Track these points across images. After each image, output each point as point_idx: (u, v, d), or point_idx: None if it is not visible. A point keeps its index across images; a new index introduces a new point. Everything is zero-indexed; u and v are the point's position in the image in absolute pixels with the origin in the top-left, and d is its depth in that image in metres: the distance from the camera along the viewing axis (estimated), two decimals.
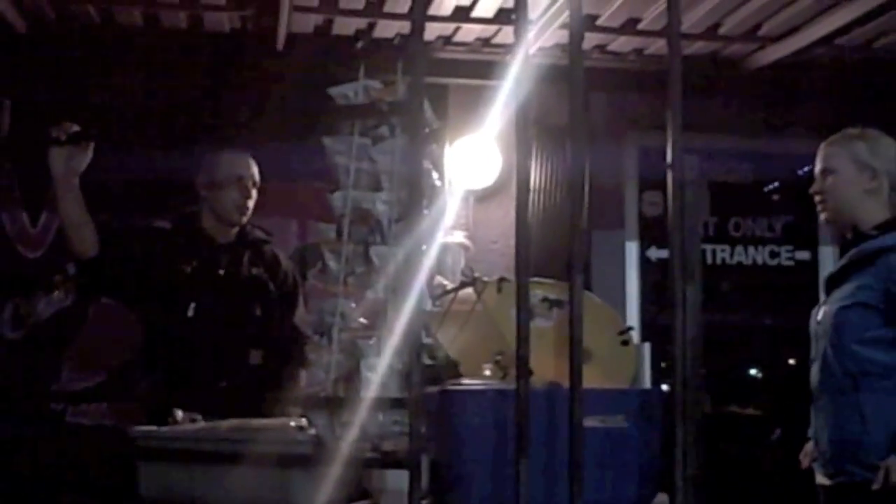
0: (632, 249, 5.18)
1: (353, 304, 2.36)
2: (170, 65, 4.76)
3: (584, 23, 2.37)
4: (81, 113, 3.74)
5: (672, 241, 2.20)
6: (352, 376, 2.30)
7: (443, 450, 2.25)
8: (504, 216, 4.80)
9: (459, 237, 3.93)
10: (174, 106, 4.80)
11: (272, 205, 3.94)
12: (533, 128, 2.35)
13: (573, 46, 2.27)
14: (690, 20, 4.40)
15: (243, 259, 3.68)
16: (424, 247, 2.19)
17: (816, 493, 2.99)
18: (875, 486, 2.73)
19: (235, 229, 3.69)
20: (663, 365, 3.95)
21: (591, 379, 2.28)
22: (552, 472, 2.17)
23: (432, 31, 4.60)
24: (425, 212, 2.24)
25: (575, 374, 2.10)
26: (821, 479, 2.95)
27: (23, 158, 4.50)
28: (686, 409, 2.02)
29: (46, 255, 4.67)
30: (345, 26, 4.61)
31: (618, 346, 3.01)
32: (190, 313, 3.52)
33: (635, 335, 3.57)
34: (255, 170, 3.70)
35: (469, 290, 2.99)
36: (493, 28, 4.62)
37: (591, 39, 4.62)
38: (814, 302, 3.09)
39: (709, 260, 5.32)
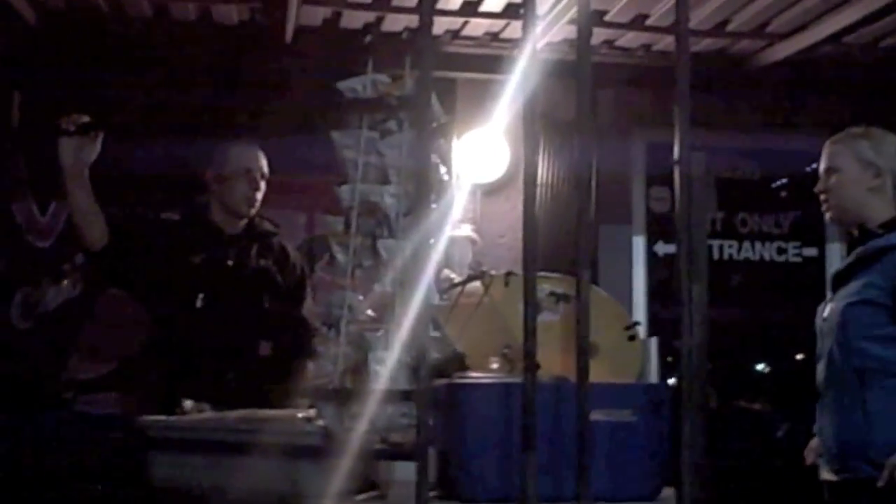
0: (639, 244, 5.19)
1: (361, 297, 2.37)
2: (178, 57, 4.76)
3: (592, 18, 2.37)
4: (91, 104, 3.75)
5: (679, 236, 2.21)
6: (359, 368, 2.31)
7: (450, 442, 2.27)
8: (511, 210, 4.81)
9: (467, 231, 3.96)
10: (182, 98, 4.81)
11: (280, 197, 3.96)
12: (540, 122, 2.36)
13: (581, 42, 2.28)
14: (699, 17, 4.40)
15: (251, 251, 3.69)
16: (432, 240, 2.20)
17: (821, 489, 3.00)
18: (880, 484, 2.74)
19: (244, 221, 3.70)
20: (670, 359, 3.98)
21: (598, 373, 2.29)
22: (558, 466, 2.18)
23: (441, 25, 4.61)
24: (433, 206, 2.25)
25: (581, 368, 2.12)
26: (826, 475, 2.96)
27: (33, 149, 4.52)
28: (692, 403, 2.03)
29: (55, 245, 4.69)
30: (353, 19, 4.62)
31: (624, 340, 3.02)
32: (198, 304, 3.54)
33: (642, 330, 3.59)
34: (263, 162, 3.72)
35: (476, 284, 3.00)
36: (501, 23, 4.63)
37: (599, 35, 4.62)
38: (821, 298, 3.09)
39: (716, 255, 5.32)
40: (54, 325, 4.67)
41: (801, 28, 4.60)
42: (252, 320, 3.62)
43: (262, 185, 3.70)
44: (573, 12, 3.65)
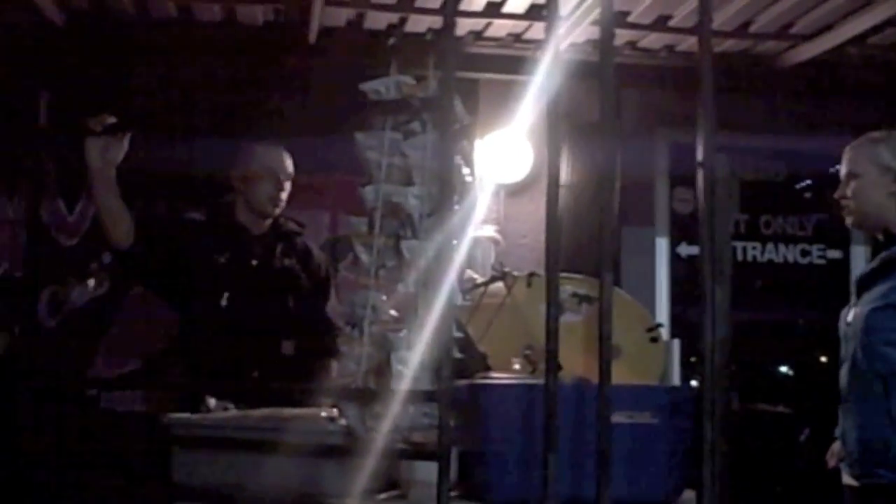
0: (662, 246, 5.18)
1: (384, 297, 2.38)
2: (203, 57, 4.79)
3: (615, 19, 2.37)
4: (117, 104, 3.79)
5: (702, 238, 2.20)
6: (382, 368, 2.32)
7: (472, 442, 2.28)
8: (534, 211, 4.81)
9: (490, 231, 3.97)
10: (207, 98, 4.84)
11: (304, 197, 3.98)
12: (564, 123, 2.37)
13: (604, 43, 2.28)
14: (722, 17, 4.39)
15: (276, 250, 3.71)
16: (455, 241, 2.21)
17: (843, 494, 2.98)
18: None
19: (269, 221, 3.73)
20: (693, 360, 3.97)
21: (620, 375, 2.28)
22: (580, 467, 2.18)
23: (464, 26, 4.61)
24: (456, 207, 2.25)
25: (604, 369, 2.12)
26: (847, 480, 2.95)
27: (60, 149, 4.55)
28: (713, 406, 2.03)
29: (82, 244, 4.73)
30: (377, 20, 4.63)
31: (647, 342, 3.02)
32: (223, 303, 3.56)
33: (665, 332, 3.58)
34: (288, 163, 3.74)
35: (499, 285, 3.01)
36: (524, 24, 4.63)
37: (622, 36, 4.62)
38: (845, 301, 3.08)
39: (739, 257, 5.30)
40: (81, 323, 4.70)
41: (825, 29, 4.58)
42: (276, 319, 3.64)
43: (287, 185, 3.72)
44: (596, 13, 3.65)
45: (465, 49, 4.71)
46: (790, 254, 5.39)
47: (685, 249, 5.19)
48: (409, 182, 2.43)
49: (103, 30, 4.68)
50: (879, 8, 4.24)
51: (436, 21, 4.36)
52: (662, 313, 5.02)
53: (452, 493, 2.11)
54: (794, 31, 4.66)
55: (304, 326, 3.67)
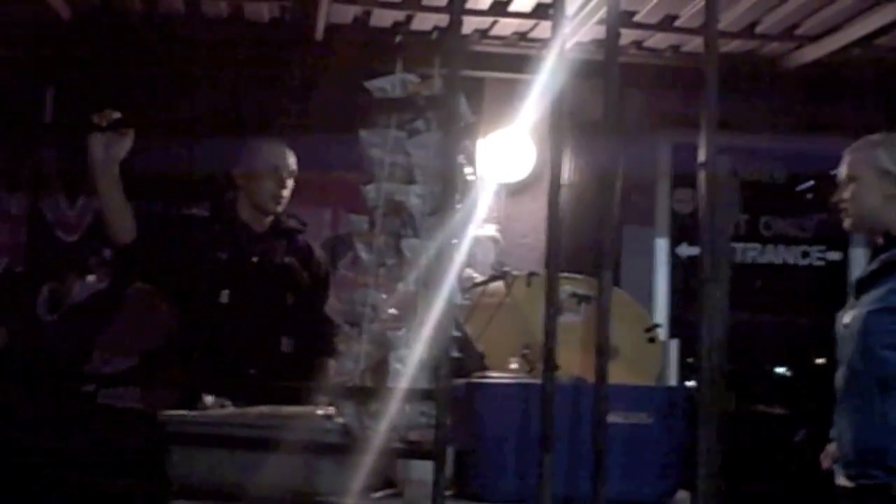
0: (662, 246, 5.17)
1: (384, 296, 2.38)
2: (210, 54, 4.79)
3: (621, 19, 2.37)
4: (122, 100, 3.79)
5: (702, 239, 2.21)
6: (380, 367, 2.32)
7: (468, 441, 2.28)
8: (535, 211, 4.81)
9: (490, 231, 3.97)
10: (213, 95, 4.84)
11: (307, 194, 3.98)
12: (567, 123, 2.37)
13: (609, 42, 2.28)
14: (728, 18, 4.38)
15: (277, 248, 3.72)
16: (456, 240, 2.21)
17: (837, 495, 2.99)
18: None
19: (270, 218, 3.73)
20: (690, 361, 3.97)
21: (618, 375, 2.29)
22: (575, 466, 2.19)
23: (469, 24, 4.61)
24: (458, 206, 2.26)
25: (600, 369, 2.12)
26: (842, 481, 2.95)
27: (64, 144, 4.56)
28: (709, 406, 2.03)
29: (83, 239, 4.73)
30: (383, 18, 4.62)
31: (645, 342, 3.03)
32: (223, 300, 3.57)
33: (663, 332, 3.58)
34: (291, 160, 3.74)
35: (499, 284, 3.01)
36: (530, 22, 4.62)
37: (627, 35, 4.61)
38: (843, 303, 3.08)
39: (739, 258, 5.30)
40: (80, 318, 4.71)
41: (831, 30, 4.56)
42: (275, 317, 3.64)
43: (290, 183, 3.72)
44: (602, 13, 3.64)
45: (471, 47, 4.70)
46: (790, 255, 5.39)
47: (685, 250, 5.19)
48: (411, 181, 2.43)
49: (109, 25, 4.68)
50: (886, 10, 4.23)
51: (442, 19, 4.36)
52: (661, 314, 5.02)
53: (448, 492, 2.11)
54: (799, 32, 4.65)
55: (303, 324, 3.68)
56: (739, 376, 5.04)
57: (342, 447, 2.23)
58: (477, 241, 2.50)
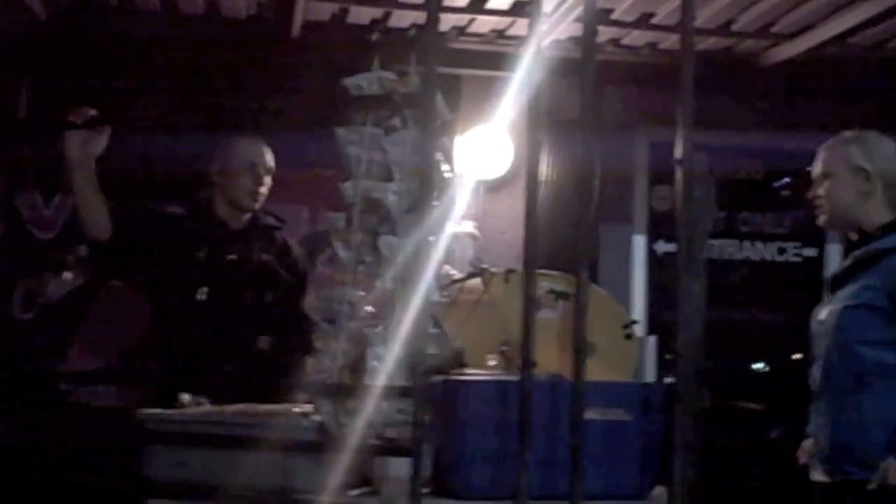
0: (639, 243, 5.19)
1: (362, 293, 2.38)
2: (186, 51, 4.77)
3: (598, 16, 2.38)
4: (98, 97, 3.77)
5: (679, 236, 2.22)
6: (358, 364, 2.32)
7: (446, 438, 2.28)
8: (513, 207, 4.81)
9: (468, 227, 3.97)
10: (189, 92, 4.82)
11: (284, 191, 3.97)
12: (545, 120, 2.37)
13: (586, 40, 2.29)
14: (704, 16, 4.40)
15: (254, 245, 3.71)
16: (433, 238, 2.21)
17: (813, 490, 3.01)
18: (871, 486, 2.75)
19: (248, 215, 3.72)
20: (668, 357, 3.99)
21: (595, 371, 2.30)
22: (553, 463, 2.19)
23: (447, 21, 4.61)
24: (435, 203, 2.26)
25: (578, 366, 2.12)
26: (818, 477, 2.97)
27: (39, 141, 4.53)
28: (685, 402, 2.04)
29: (59, 237, 4.70)
30: (360, 15, 4.62)
31: (622, 339, 3.03)
32: (200, 298, 3.56)
33: (640, 329, 3.59)
34: (268, 157, 3.73)
35: (476, 281, 3.01)
36: (507, 20, 4.62)
37: (605, 33, 4.62)
38: (820, 299, 3.10)
39: (716, 255, 5.32)
40: (56, 316, 4.68)
41: (806, 28, 4.60)
42: (253, 315, 3.63)
43: (267, 179, 3.71)
44: (579, 10, 3.65)
45: (448, 45, 4.70)
46: (766, 252, 5.42)
47: (662, 247, 5.21)
48: (388, 178, 2.43)
49: (86, 22, 4.66)
50: (860, 8, 4.26)
51: (419, 17, 4.35)
52: (639, 310, 5.04)
53: (425, 490, 2.12)
54: (775, 30, 4.67)
55: (280, 322, 3.67)
56: (717, 372, 5.07)
57: (319, 445, 2.23)
58: (455, 237, 2.51)
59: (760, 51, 4.92)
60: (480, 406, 2.27)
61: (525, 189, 2.23)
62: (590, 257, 2.28)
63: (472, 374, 2.57)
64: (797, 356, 5.04)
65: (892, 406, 2.80)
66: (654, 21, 4.59)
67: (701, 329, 2.17)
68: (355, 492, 2.26)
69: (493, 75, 4.47)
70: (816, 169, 3.06)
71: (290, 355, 3.53)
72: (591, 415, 2.19)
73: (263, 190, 3.70)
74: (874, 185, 2.96)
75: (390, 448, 2.23)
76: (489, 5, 4.48)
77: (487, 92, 4.51)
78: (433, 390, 2.23)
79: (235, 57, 4.82)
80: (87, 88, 4.53)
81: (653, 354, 3.58)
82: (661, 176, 5.13)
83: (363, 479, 2.30)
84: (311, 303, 3.68)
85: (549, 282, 2.93)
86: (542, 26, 2.36)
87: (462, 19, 4.64)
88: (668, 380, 2.95)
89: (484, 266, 3.08)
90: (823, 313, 2.98)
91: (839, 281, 2.98)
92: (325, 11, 4.62)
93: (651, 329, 4.65)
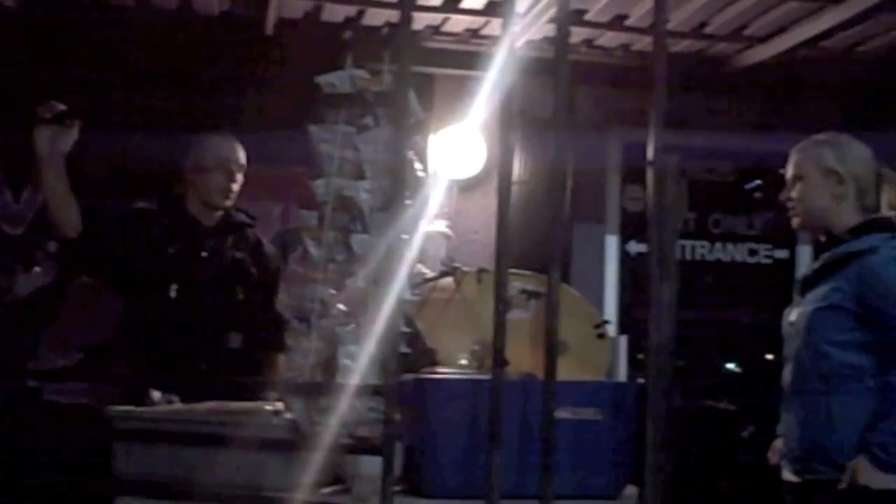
0: (612, 243, 5.21)
1: (333, 291, 2.37)
2: (158, 46, 4.75)
3: (572, 17, 2.39)
4: (68, 92, 3.74)
5: (650, 237, 2.22)
6: (329, 363, 2.32)
7: (417, 437, 2.28)
8: (486, 207, 4.82)
9: (441, 226, 3.96)
10: (161, 88, 4.79)
11: (256, 189, 3.95)
12: (518, 120, 2.37)
13: (559, 40, 2.29)
14: (678, 18, 4.42)
15: (227, 243, 3.69)
16: (406, 236, 2.21)
17: (783, 490, 3.03)
18: (841, 486, 2.77)
19: (220, 213, 3.70)
20: (640, 357, 4.00)
21: (567, 371, 2.30)
22: (525, 462, 2.20)
23: (421, 20, 4.61)
24: (408, 202, 2.26)
25: (549, 366, 2.13)
26: (788, 476, 2.99)
27: (8, 136, 4.49)
28: (657, 403, 2.04)
29: (28, 233, 4.66)
30: (334, 13, 4.61)
31: (594, 338, 3.04)
32: (172, 295, 3.54)
33: (612, 328, 3.60)
34: (240, 154, 3.72)
35: (448, 280, 3.01)
36: (481, 19, 4.63)
37: (578, 34, 4.63)
38: (791, 300, 3.12)
39: (688, 256, 5.35)
40: (25, 313, 4.64)
41: (779, 31, 4.63)
42: (224, 312, 3.61)
43: (239, 176, 3.69)
44: (553, 11, 3.65)
45: (422, 44, 4.70)
46: (738, 253, 5.46)
47: (634, 247, 5.23)
48: (360, 176, 2.44)
49: (56, 16, 4.62)
50: (831, 13, 4.30)
51: (393, 15, 4.34)
52: (611, 310, 5.06)
53: (397, 488, 2.11)
54: (748, 32, 4.70)
55: (252, 320, 3.65)
56: (689, 372, 5.10)
57: (291, 443, 2.22)
58: (428, 236, 2.51)
59: (733, 53, 4.95)
60: (452, 405, 2.27)
61: (497, 188, 2.23)
62: (562, 257, 2.29)
63: (444, 373, 2.58)
64: (770, 356, 5.08)
65: (861, 406, 2.82)
66: (627, 23, 4.61)
67: (672, 329, 2.17)
68: (327, 490, 2.26)
69: (466, 74, 4.47)
70: (789, 171, 3.07)
71: (261, 353, 3.53)
72: (562, 414, 2.19)
73: (235, 187, 3.68)
74: (847, 187, 2.97)
75: (362, 446, 2.23)
76: (463, 5, 4.48)
77: (461, 91, 4.51)
78: (405, 389, 2.23)
79: (208, 53, 4.80)
80: (57, 83, 4.49)
81: (624, 354, 3.58)
82: (633, 176, 5.16)
83: (335, 477, 2.30)
84: (283, 301, 3.67)
85: (521, 281, 2.94)
86: (516, 26, 2.37)
87: (436, 18, 4.64)
88: (639, 379, 2.95)
89: (456, 265, 3.08)
90: (794, 315, 3.00)
91: (809, 283, 3.00)
92: (298, 9, 4.61)
93: (623, 329, 4.66)
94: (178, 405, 2.67)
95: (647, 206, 2.23)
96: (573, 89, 4.99)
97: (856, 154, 3.01)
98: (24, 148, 3.37)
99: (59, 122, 3.31)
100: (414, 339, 2.44)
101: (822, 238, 3.04)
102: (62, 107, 3.33)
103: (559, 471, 2.10)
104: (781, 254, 5.43)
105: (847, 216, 2.97)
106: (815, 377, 2.88)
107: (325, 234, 2.39)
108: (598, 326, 3.10)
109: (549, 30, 4.23)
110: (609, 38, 4.81)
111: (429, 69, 4.77)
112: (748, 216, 5.48)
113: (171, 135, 4.19)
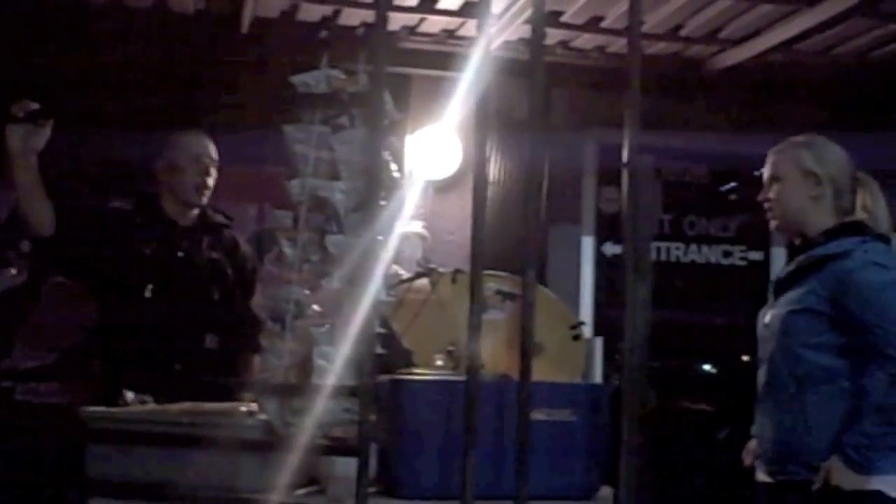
0: (588, 244, 5.22)
1: (308, 292, 2.37)
2: (133, 45, 4.72)
3: (548, 19, 2.39)
4: (41, 91, 3.71)
5: (625, 238, 2.23)
6: (304, 364, 2.31)
7: (392, 438, 2.28)
8: (462, 208, 4.81)
9: (417, 227, 3.97)
10: (135, 87, 4.77)
11: (231, 189, 3.94)
12: (494, 121, 2.37)
13: (535, 42, 2.29)
14: (653, 20, 4.43)
15: (202, 242, 3.68)
16: (381, 237, 2.21)
17: (757, 491, 3.04)
18: (815, 487, 2.78)
19: (196, 212, 3.69)
20: (616, 358, 4.02)
21: (543, 372, 2.31)
22: (500, 463, 2.20)
23: (397, 21, 4.60)
24: (383, 202, 2.25)
25: (524, 367, 2.13)
26: (762, 477, 3.00)
27: None
28: (632, 404, 2.05)
29: (0, 232, 4.63)
30: (310, 12, 4.60)
31: (569, 340, 3.05)
32: (147, 295, 3.52)
33: (588, 330, 3.61)
34: (212, 150, 3.71)
35: (424, 281, 3.01)
36: (458, 20, 4.63)
37: (554, 35, 4.64)
38: (765, 301, 3.14)
39: (663, 257, 5.38)
40: None
41: (753, 34, 4.65)
42: (200, 312, 3.60)
43: (213, 172, 3.69)
44: (529, 12, 3.66)
45: (398, 44, 4.70)
46: (712, 254, 5.48)
47: (610, 248, 5.24)
48: (336, 177, 2.43)
49: (29, 13, 4.59)
50: (805, 16, 4.33)
51: (369, 15, 4.34)
52: (587, 311, 5.07)
53: (372, 489, 2.11)
54: (723, 35, 4.73)
55: (228, 320, 3.64)
56: (664, 373, 5.12)
57: (265, 444, 2.21)
58: (403, 237, 2.50)
59: (708, 56, 4.97)
60: (427, 406, 2.27)
61: (473, 190, 2.23)
62: (538, 258, 2.29)
63: (420, 374, 2.57)
64: (745, 358, 5.10)
65: (835, 408, 2.83)
66: (603, 24, 4.62)
67: (647, 330, 2.18)
68: (302, 491, 2.25)
69: (442, 75, 4.48)
70: (767, 172, 3.08)
71: (237, 354, 3.52)
72: (537, 415, 2.20)
73: (210, 182, 3.67)
74: (824, 188, 2.99)
75: (337, 447, 2.22)
76: (439, 5, 4.48)
77: (437, 92, 4.51)
78: (380, 390, 2.23)
79: (183, 53, 4.78)
80: (29, 81, 4.46)
81: (600, 355, 3.60)
82: (609, 178, 5.17)
83: (310, 478, 2.29)
84: (258, 301, 3.66)
85: (496, 283, 2.94)
86: (492, 28, 2.37)
87: (412, 19, 4.64)
88: (615, 381, 2.96)
89: (432, 266, 3.08)
90: (768, 317, 3.01)
91: (783, 285, 3.01)
92: (274, 8, 4.59)
93: (598, 330, 4.68)
94: (151, 405, 2.66)
95: (623, 207, 2.24)
96: (549, 91, 5.01)
97: (833, 156, 3.03)
98: None
99: (31, 120, 3.28)
100: (389, 340, 2.44)
101: (797, 241, 3.05)
102: (35, 105, 3.31)
103: (534, 472, 2.10)
104: (756, 255, 5.46)
105: (822, 218, 2.99)
106: (789, 379, 2.90)
107: (300, 235, 2.38)
108: (573, 328, 3.11)
109: (525, 31, 4.24)
110: (585, 40, 4.82)
111: (405, 70, 4.77)
112: (723, 218, 5.50)
113: (145, 134, 4.17)
